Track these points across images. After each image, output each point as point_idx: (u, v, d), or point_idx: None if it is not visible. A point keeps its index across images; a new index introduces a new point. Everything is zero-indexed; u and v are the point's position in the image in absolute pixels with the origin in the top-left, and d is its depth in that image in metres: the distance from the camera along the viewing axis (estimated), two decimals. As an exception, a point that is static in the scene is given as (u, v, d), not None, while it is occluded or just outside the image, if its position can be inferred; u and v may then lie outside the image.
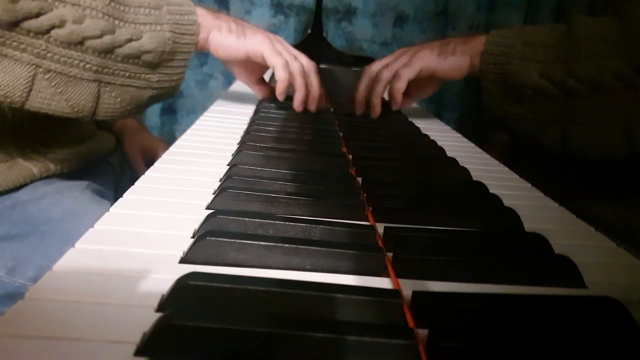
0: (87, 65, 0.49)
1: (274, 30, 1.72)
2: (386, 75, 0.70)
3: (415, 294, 0.25)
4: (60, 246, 0.54)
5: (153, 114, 1.65)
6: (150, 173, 0.43)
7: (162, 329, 0.21)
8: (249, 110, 0.73)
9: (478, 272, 0.29)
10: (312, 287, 0.25)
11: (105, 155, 0.78)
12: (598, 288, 0.30)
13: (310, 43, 1.51)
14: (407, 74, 0.68)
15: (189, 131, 0.59)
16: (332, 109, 0.79)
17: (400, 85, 0.69)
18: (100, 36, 0.48)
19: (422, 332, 0.23)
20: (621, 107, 0.56)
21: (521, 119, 0.53)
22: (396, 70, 0.69)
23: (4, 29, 0.44)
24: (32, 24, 0.45)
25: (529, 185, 0.50)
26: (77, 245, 0.28)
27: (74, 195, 0.61)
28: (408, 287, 0.27)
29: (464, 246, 0.33)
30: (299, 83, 0.67)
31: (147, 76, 0.54)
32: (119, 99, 0.52)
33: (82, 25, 0.47)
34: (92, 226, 0.31)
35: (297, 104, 0.69)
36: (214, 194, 0.38)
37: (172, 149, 0.50)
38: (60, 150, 0.64)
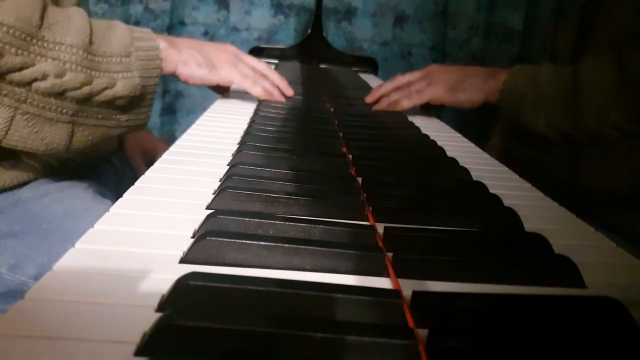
0: (64, 110, 0.51)
1: (274, 30, 1.72)
2: (400, 94, 0.79)
3: (415, 294, 0.25)
4: (61, 244, 0.55)
5: (153, 114, 1.63)
6: (150, 173, 0.43)
7: (162, 329, 0.21)
8: (249, 110, 0.73)
9: (478, 272, 0.29)
10: (312, 287, 0.25)
11: (107, 154, 0.78)
12: (598, 288, 0.30)
13: (310, 43, 1.50)
14: (415, 101, 0.77)
15: (189, 131, 0.59)
16: (332, 109, 0.79)
17: (404, 105, 0.78)
18: (80, 87, 0.51)
19: (422, 332, 0.23)
20: (623, 152, 0.61)
21: (533, 158, 0.57)
22: (408, 92, 0.78)
23: None
24: (15, 76, 0.47)
25: (529, 185, 0.50)
26: (77, 245, 0.29)
27: (75, 193, 0.61)
28: (408, 287, 0.27)
29: (464, 246, 0.33)
30: (269, 92, 0.77)
31: (118, 117, 0.57)
32: (90, 137, 0.55)
33: (63, 79, 0.49)
34: (93, 225, 0.31)
35: (273, 98, 0.78)
36: (214, 194, 0.38)
37: (172, 149, 0.50)
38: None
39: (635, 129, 0.59)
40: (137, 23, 1.60)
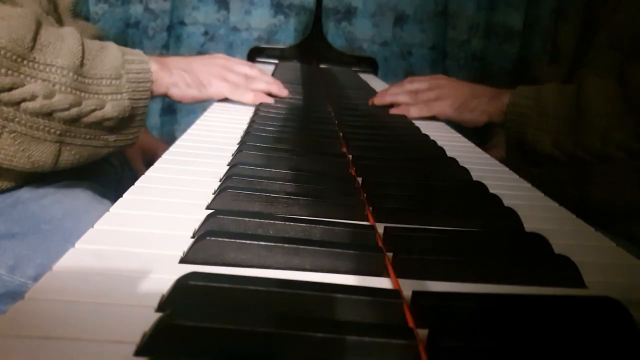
0: (52, 130, 0.52)
1: (274, 30, 1.72)
2: (408, 99, 0.80)
3: (415, 294, 0.25)
4: (61, 245, 0.54)
5: (153, 114, 1.65)
6: (150, 173, 0.43)
7: (162, 329, 0.21)
8: (249, 110, 0.73)
9: (478, 272, 0.29)
10: (312, 287, 0.25)
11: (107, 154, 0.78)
12: (598, 288, 0.30)
13: (310, 43, 1.50)
14: (423, 113, 0.78)
15: (189, 131, 0.59)
16: (332, 109, 0.79)
17: (412, 114, 0.78)
18: (68, 109, 0.51)
19: (422, 332, 0.23)
20: (629, 171, 0.61)
21: (540, 179, 0.57)
22: (416, 101, 0.79)
23: None
24: (3, 96, 0.47)
25: (529, 185, 0.50)
26: (77, 245, 0.28)
27: (75, 194, 0.61)
28: (408, 287, 0.27)
29: (464, 246, 0.33)
30: (260, 96, 0.76)
31: (106, 137, 0.58)
32: (77, 156, 0.56)
33: (52, 100, 0.50)
34: (93, 225, 0.31)
35: (267, 101, 0.77)
36: (214, 194, 0.38)
37: (172, 149, 0.50)
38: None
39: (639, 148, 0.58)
40: (137, 23, 1.60)
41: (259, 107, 0.72)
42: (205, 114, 0.69)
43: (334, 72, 1.37)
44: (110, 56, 0.56)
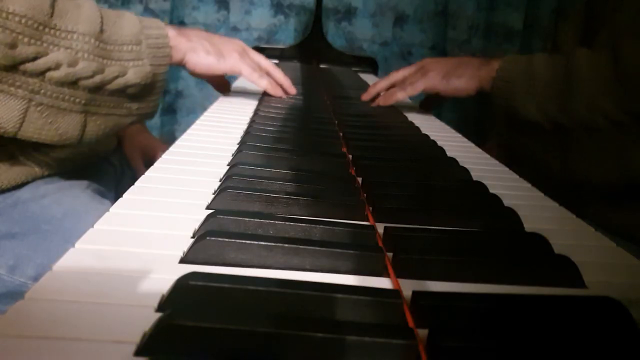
0: (77, 100, 0.51)
1: (274, 30, 1.72)
2: (397, 86, 0.82)
3: (415, 294, 0.25)
4: (61, 245, 0.54)
5: (153, 113, 1.65)
6: (150, 173, 0.43)
7: (162, 329, 0.21)
8: (249, 110, 0.73)
9: (478, 272, 0.29)
10: (312, 287, 0.25)
11: (107, 154, 0.78)
12: (598, 288, 0.30)
13: (310, 43, 1.50)
14: (409, 92, 0.79)
15: (189, 131, 0.59)
16: (332, 109, 0.79)
17: (398, 97, 0.80)
18: (92, 76, 0.51)
19: (422, 332, 0.23)
20: (613, 141, 0.60)
21: (526, 148, 0.57)
22: (404, 84, 0.80)
23: (2, 70, 0.46)
24: (28, 66, 0.47)
25: (529, 185, 0.50)
26: (77, 245, 0.28)
27: (75, 194, 0.61)
28: (408, 287, 0.27)
29: (464, 246, 0.33)
30: (272, 86, 0.79)
31: (129, 105, 0.58)
32: (102, 126, 0.56)
33: (76, 68, 0.49)
34: (93, 225, 0.31)
35: (278, 94, 0.80)
36: (214, 194, 0.38)
37: (172, 149, 0.50)
38: (61, 150, 0.64)
39: (625, 120, 0.58)
40: (137, 23, 1.60)
41: (259, 107, 0.72)
42: (206, 114, 0.69)
43: (334, 72, 1.37)
44: (129, 23, 0.56)
